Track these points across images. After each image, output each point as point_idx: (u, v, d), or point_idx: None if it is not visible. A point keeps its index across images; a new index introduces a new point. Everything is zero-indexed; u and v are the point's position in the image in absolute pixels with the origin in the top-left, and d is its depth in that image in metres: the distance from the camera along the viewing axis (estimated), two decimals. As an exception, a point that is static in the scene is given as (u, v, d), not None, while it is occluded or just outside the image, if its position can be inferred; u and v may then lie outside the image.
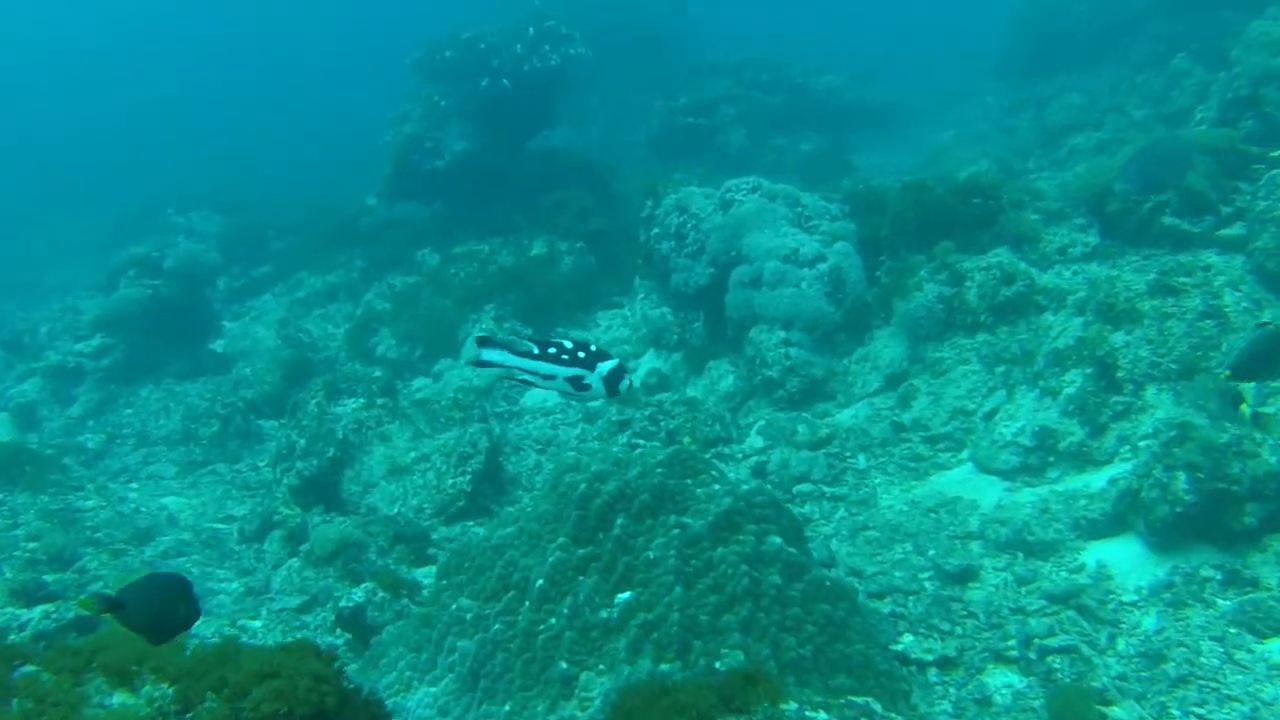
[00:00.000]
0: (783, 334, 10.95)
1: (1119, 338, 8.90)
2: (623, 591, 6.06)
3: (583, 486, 6.53)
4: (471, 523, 9.86)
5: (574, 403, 11.62)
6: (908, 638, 7.25)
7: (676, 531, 6.22)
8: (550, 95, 18.81)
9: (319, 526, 9.77)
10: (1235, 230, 9.93)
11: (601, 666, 5.83)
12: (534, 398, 12.39)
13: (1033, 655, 6.92)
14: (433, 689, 6.39)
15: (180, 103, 46.13)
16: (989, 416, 9.60)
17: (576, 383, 4.54)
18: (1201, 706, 6.17)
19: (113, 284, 16.51)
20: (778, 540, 6.34)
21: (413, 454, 10.59)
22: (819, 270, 11.12)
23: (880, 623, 7.35)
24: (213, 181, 26.35)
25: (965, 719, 6.63)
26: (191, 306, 16.79)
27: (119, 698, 3.97)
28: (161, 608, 3.95)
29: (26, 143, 40.67)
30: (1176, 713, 6.19)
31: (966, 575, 7.87)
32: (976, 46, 26.25)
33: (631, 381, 4.69)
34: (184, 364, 15.84)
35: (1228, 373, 6.21)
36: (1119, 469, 8.19)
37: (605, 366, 4.53)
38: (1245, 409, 6.99)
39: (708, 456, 8.82)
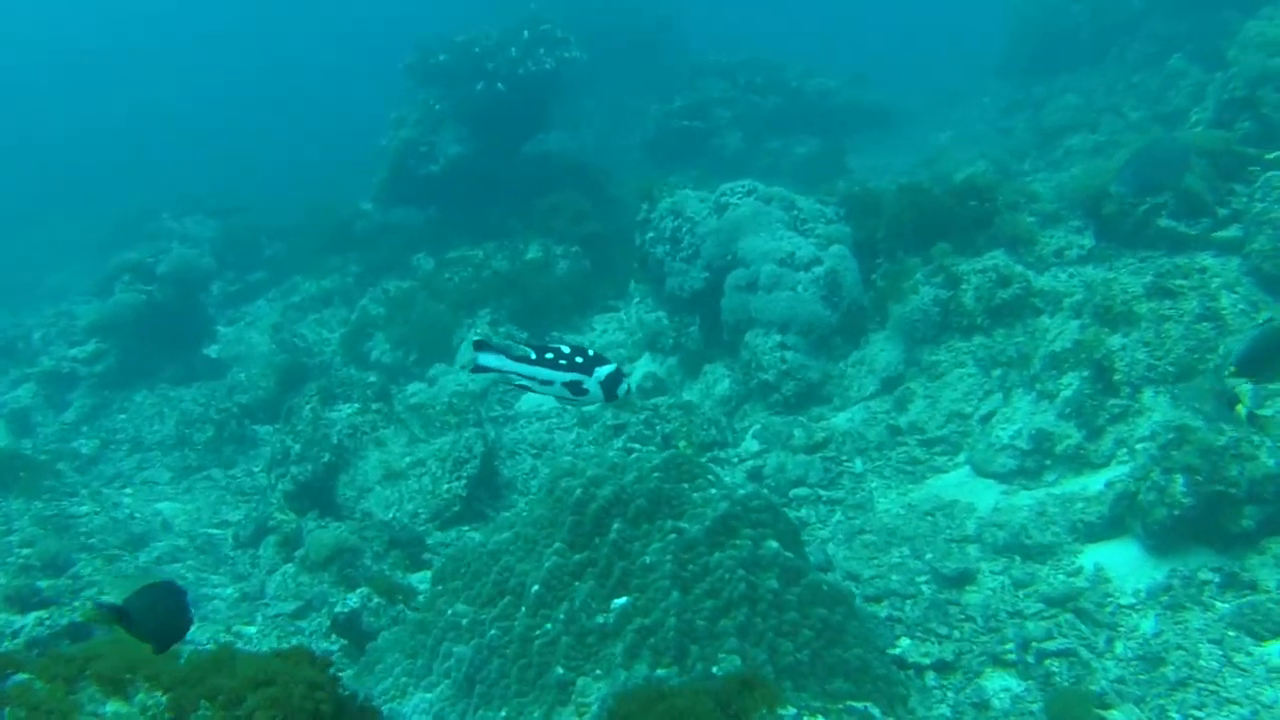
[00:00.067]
0: (778, 337, 10.93)
1: (1116, 340, 8.89)
2: (619, 597, 6.03)
3: (578, 491, 6.51)
4: (467, 528, 9.84)
5: (569, 407, 11.59)
6: (905, 641, 7.23)
7: (673, 536, 6.20)
8: (545, 99, 18.79)
9: (314, 532, 9.73)
10: (1232, 232, 9.93)
11: (598, 672, 5.80)
12: (529, 402, 12.37)
13: (1031, 659, 6.90)
14: (428, 695, 6.36)
15: (180, 103, 46.27)
16: (986, 420, 9.58)
17: (575, 388, 4.52)
18: (1200, 710, 6.15)
19: (107, 289, 16.48)
20: (774, 544, 6.32)
21: (408, 459, 10.56)
22: (815, 274, 11.10)
23: (877, 627, 7.33)
24: (212, 182, 26.42)
25: (963, 723, 6.62)
26: (186, 312, 16.73)
27: (112, 706, 3.95)
28: (165, 615, 3.96)
29: (27, 143, 40.72)
30: (1176, 716, 6.17)
31: (964, 579, 7.84)
32: (979, 46, 26.27)
33: (630, 386, 4.67)
34: (178, 369, 15.80)
35: (1233, 368, 6.21)
36: (1116, 472, 8.18)
37: (603, 371, 4.51)
38: (1241, 409, 6.97)
39: (704, 461, 8.79)
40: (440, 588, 6.96)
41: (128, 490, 12.38)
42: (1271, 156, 10.21)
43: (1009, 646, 7.02)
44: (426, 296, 15.44)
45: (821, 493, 9.52)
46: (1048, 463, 8.80)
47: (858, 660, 6.21)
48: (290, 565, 9.48)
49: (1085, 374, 8.88)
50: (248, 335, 17.69)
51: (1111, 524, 7.77)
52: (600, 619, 5.96)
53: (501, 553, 6.66)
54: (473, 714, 6.04)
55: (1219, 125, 11.46)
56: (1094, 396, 8.75)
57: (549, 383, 4.51)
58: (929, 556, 8.13)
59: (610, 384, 4.52)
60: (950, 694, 6.80)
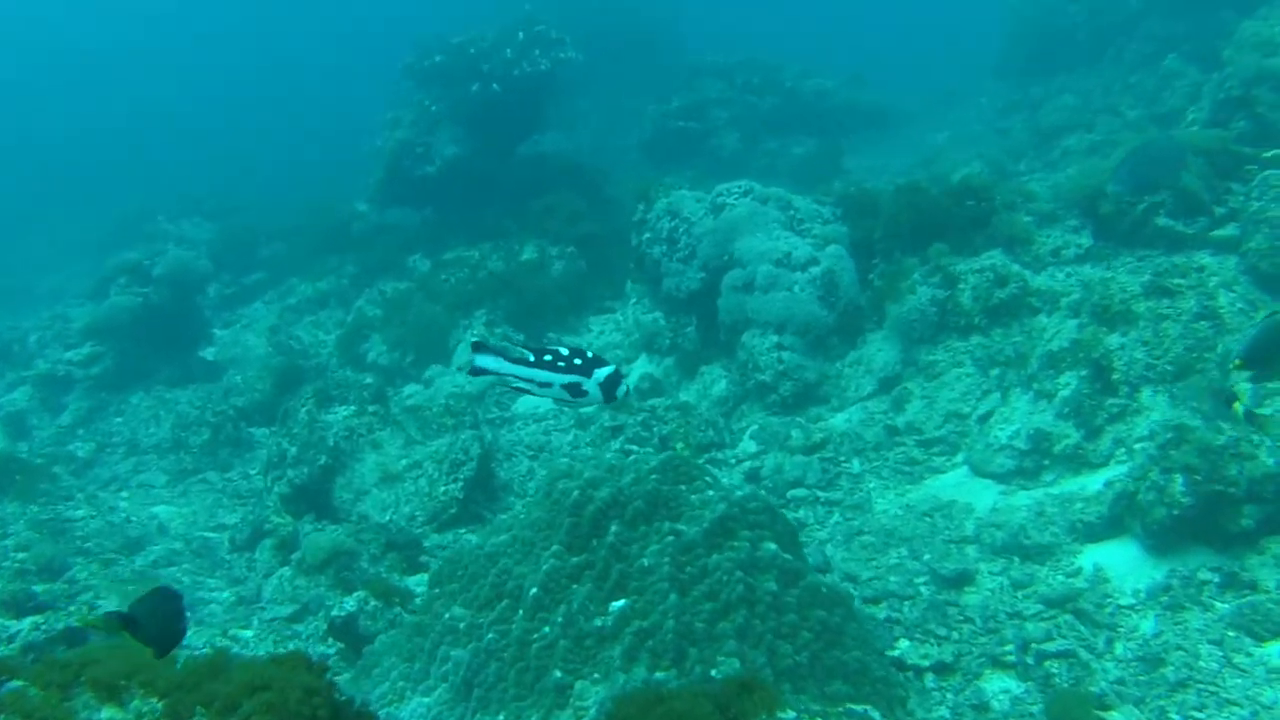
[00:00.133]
0: (775, 338, 10.91)
1: (1114, 339, 8.88)
2: (617, 599, 6.01)
3: (576, 493, 6.49)
4: (464, 530, 9.81)
5: (566, 408, 11.57)
6: (904, 643, 7.21)
7: (671, 538, 6.18)
8: (540, 100, 18.76)
9: (310, 535, 9.71)
10: (1229, 231, 9.92)
11: (596, 675, 5.78)
12: (526, 403, 12.34)
13: (1030, 660, 6.88)
14: (426, 699, 6.34)
15: (180, 103, 46.26)
16: (983, 420, 9.56)
17: (574, 390, 4.49)
18: (1201, 711, 6.13)
19: (102, 291, 16.46)
20: (773, 546, 6.30)
21: (404, 461, 10.54)
22: (811, 274, 11.08)
23: (876, 628, 7.31)
24: (212, 182, 26.41)
25: (963, 725, 6.60)
26: (182, 314, 16.71)
27: (107, 713, 3.92)
28: (168, 620, 3.96)
29: (27, 143, 40.68)
30: (1176, 717, 6.15)
31: (962, 579, 7.83)
32: (977, 47, 26.26)
33: (629, 388, 4.65)
34: (174, 372, 15.78)
35: (1238, 361, 6.21)
36: (1115, 472, 8.16)
37: (602, 373, 4.49)
38: (1238, 407, 6.97)
39: (701, 462, 8.77)
40: (437, 591, 6.93)
41: (124, 494, 12.35)
42: (1268, 155, 10.20)
43: (1008, 648, 7.00)
44: (423, 298, 15.41)
45: (819, 494, 9.50)
46: (1046, 463, 8.79)
47: (857, 662, 6.19)
48: (287, 568, 9.47)
49: (1083, 373, 8.87)
50: (244, 338, 17.66)
51: (1110, 524, 7.75)
52: (598, 622, 5.94)
53: (499, 555, 6.64)
54: (470, 718, 6.02)
55: (1215, 125, 11.46)
56: (1092, 396, 8.74)
57: (548, 385, 4.49)
58: (927, 557, 8.11)
59: (609, 385, 4.49)
60: (950, 696, 6.78)
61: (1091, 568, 7.55)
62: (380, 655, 7.09)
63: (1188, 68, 16.41)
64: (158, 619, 3.93)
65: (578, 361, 4.47)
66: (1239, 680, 6.25)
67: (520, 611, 6.14)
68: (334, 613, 7.99)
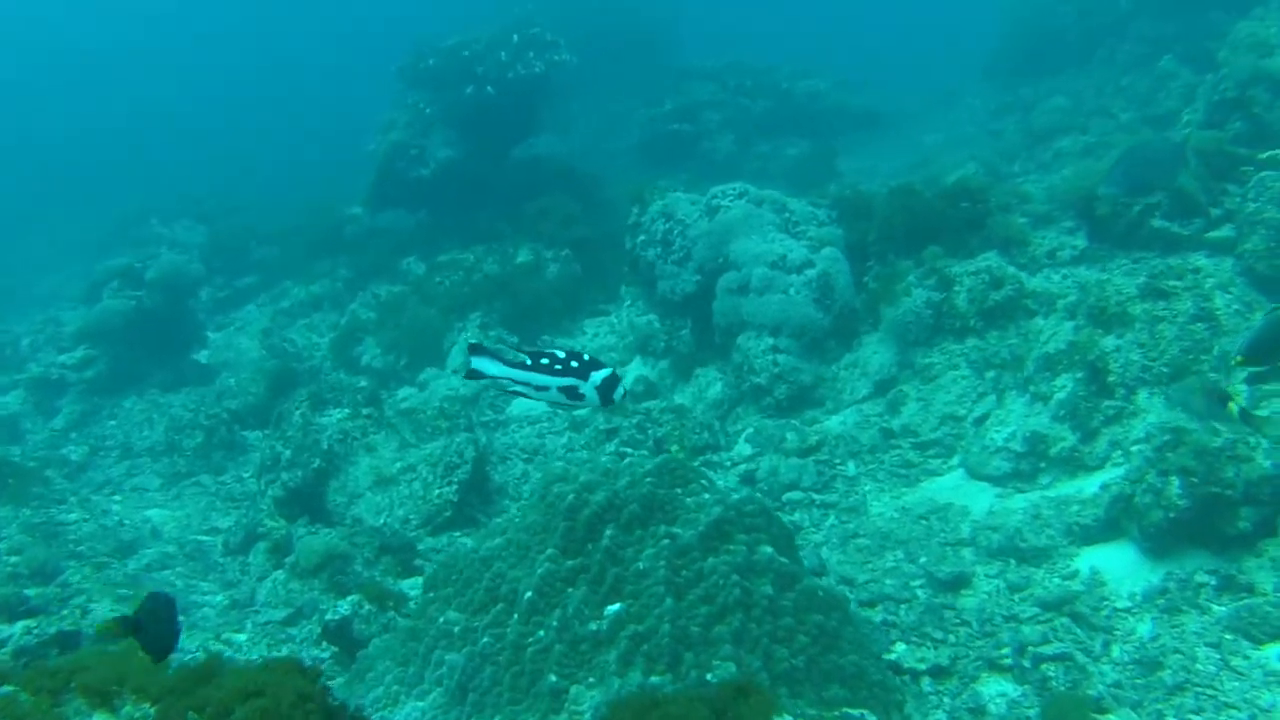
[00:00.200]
0: (771, 340, 10.90)
1: (1110, 341, 8.86)
2: (612, 603, 5.98)
3: (571, 497, 6.46)
4: (458, 533, 9.78)
5: (561, 411, 11.55)
6: (900, 647, 7.19)
7: (666, 542, 6.15)
8: (535, 102, 18.75)
9: (304, 538, 9.68)
10: (1224, 232, 9.92)
11: (591, 679, 5.75)
12: (520, 406, 12.31)
13: (1027, 663, 6.86)
14: (420, 703, 6.31)
15: (180, 103, 46.22)
16: (979, 422, 9.55)
17: (570, 393, 4.47)
18: (1198, 714, 6.11)
19: (95, 295, 16.42)
20: (769, 549, 6.28)
21: (398, 464, 10.51)
22: (807, 276, 11.07)
23: (872, 632, 7.29)
24: (212, 182, 26.33)
25: (960, 728, 6.58)
26: (175, 317, 16.68)
27: (99, 718, 3.89)
28: (168, 625, 3.97)
29: (27, 143, 40.60)
30: (1173, 720, 6.14)
31: (959, 582, 7.81)
32: (976, 47, 26.26)
33: (626, 390, 4.62)
34: (168, 375, 15.74)
35: (1240, 357, 6.20)
36: (1111, 474, 8.15)
37: (599, 376, 4.47)
38: (1233, 406, 6.96)
39: (696, 465, 8.75)
40: (432, 594, 6.90)
41: (117, 497, 12.31)
42: (1264, 156, 10.19)
43: (1005, 651, 6.98)
44: (417, 300, 15.38)
45: (815, 496, 9.49)
46: (1042, 465, 8.77)
47: (853, 666, 6.16)
48: (280, 572, 9.43)
49: (1079, 375, 8.85)
50: (237, 341, 17.60)
51: (1107, 526, 7.73)
52: (594, 626, 5.91)
53: (493, 559, 6.61)
54: (465, 722, 5.99)
55: (1210, 126, 11.45)
56: (1088, 398, 8.72)
57: (544, 388, 4.47)
58: (923, 560, 8.09)
59: (606, 388, 4.47)
60: (946, 699, 6.76)
61: (1088, 570, 7.53)
62: (374, 659, 7.06)
63: (1182, 69, 16.43)
64: (158, 623, 3.93)
65: (574, 364, 4.45)
66: (1236, 683, 6.23)
67: (515, 615, 6.11)
68: (328, 617, 7.96)
